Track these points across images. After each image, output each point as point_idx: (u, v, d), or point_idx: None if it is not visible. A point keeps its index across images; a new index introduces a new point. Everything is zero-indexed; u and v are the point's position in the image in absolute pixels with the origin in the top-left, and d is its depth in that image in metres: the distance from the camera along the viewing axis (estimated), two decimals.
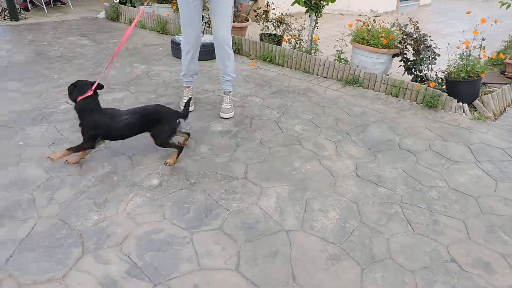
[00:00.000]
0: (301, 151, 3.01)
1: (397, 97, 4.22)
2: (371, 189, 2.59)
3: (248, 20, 6.10)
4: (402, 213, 2.39)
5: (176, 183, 2.54)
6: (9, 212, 2.19)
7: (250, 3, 3.49)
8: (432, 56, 4.35)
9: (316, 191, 2.54)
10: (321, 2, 4.84)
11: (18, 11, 7.03)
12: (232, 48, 3.51)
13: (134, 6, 7.28)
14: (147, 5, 7.41)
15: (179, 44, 4.98)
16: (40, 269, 1.85)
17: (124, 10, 7.22)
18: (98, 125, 2.51)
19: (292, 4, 4.77)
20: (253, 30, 6.28)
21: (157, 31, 6.62)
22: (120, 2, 7.35)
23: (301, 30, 5.24)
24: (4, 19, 6.87)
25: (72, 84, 2.58)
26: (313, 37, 5.03)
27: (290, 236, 2.15)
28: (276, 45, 5.28)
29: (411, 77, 4.53)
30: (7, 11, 6.86)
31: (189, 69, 3.62)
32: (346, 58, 4.92)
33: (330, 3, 4.88)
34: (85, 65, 4.75)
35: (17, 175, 2.52)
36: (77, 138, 2.97)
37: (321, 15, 5.05)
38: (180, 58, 5.17)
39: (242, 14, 6.10)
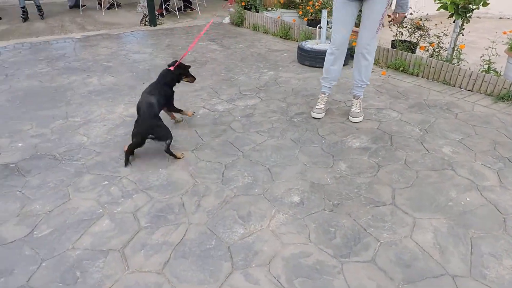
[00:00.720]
0: (456, 178, 2.64)
1: None
2: None
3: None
4: None
5: (318, 202, 2.41)
6: (163, 215, 2.30)
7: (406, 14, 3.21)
8: None
9: (482, 229, 2.18)
10: (470, 6, 4.28)
11: (156, 17, 7.70)
12: (374, 55, 3.30)
13: (258, 12, 7.44)
14: (270, 10, 7.51)
15: (306, 51, 4.92)
16: (195, 279, 1.87)
17: (248, 15, 7.43)
18: None
19: (438, 9, 4.30)
20: (383, 36, 5.89)
21: (280, 37, 6.64)
22: (245, 8, 7.58)
23: (441, 37, 4.72)
24: (145, 25, 7.61)
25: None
26: (458, 44, 4.48)
27: (458, 283, 1.85)
28: (411, 53, 4.85)
29: None
30: (147, 17, 7.58)
31: (329, 73, 3.50)
32: (495, 69, 4.28)
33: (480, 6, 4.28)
34: (217, 69, 4.94)
35: (167, 178, 2.66)
36: (217, 144, 3.05)
37: (469, 21, 4.48)
38: (307, 65, 5.15)
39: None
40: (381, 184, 2.58)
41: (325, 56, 4.81)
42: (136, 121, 2.81)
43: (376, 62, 5.06)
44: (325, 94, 3.59)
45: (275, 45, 6.18)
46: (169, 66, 3.10)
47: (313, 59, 4.97)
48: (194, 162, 2.86)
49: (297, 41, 6.30)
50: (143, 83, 4.48)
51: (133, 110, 3.61)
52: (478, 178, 2.64)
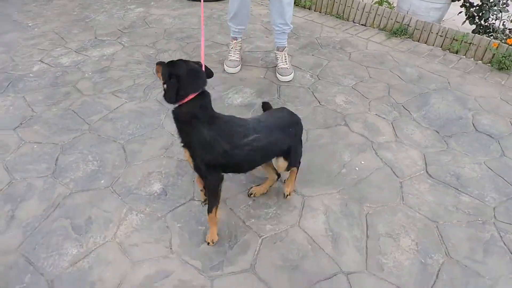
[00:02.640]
0: (349, 136, 2.27)
1: (456, 53, 3.35)
2: (451, 198, 1.90)
3: None
4: (500, 238, 1.71)
5: (186, 188, 1.85)
6: None
7: None
8: (504, 1, 3.41)
9: (378, 202, 1.85)
10: None
11: None
12: None
13: None
14: None
15: None
16: None
17: None
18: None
19: None
20: None
21: None
22: None
23: None
24: None
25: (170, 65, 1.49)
26: None
27: (352, 282, 1.50)
28: None
29: (472, 27, 3.63)
30: None
31: (239, 11, 2.69)
32: (391, 1, 3.96)
33: None
34: (68, 6, 3.84)
35: None
36: (54, 115, 2.24)
37: None
38: None
39: None
40: None
41: None
42: None
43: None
44: (236, 39, 2.88)
45: None
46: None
47: None
48: (15, 146, 2.04)
49: None
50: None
51: None
52: (373, 133, 2.31)
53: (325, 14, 4.03)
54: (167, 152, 2.06)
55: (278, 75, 2.80)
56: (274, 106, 2.35)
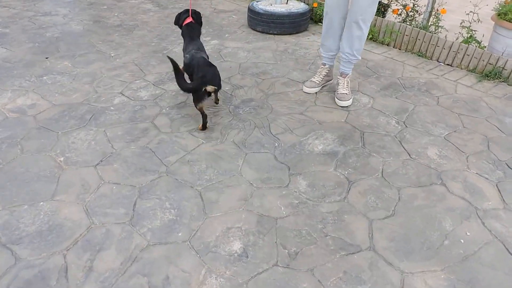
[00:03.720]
0: (448, 199, 2.00)
1: None
2: None
3: None
4: None
5: (269, 251, 1.69)
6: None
7: None
8: None
9: (492, 286, 1.56)
10: None
11: None
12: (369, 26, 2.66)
13: None
14: None
15: (257, 13, 4.02)
16: None
17: None
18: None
19: None
20: None
21: None
22: None
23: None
24: None
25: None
26: (438, 9, 3.75)
27: None
28: (381, 17, 4.08)
29: None
30: None
31: (325, 39, 2.88)
32: (476, 37, 3.64)
33: None
34: (147, 38, 3.94)
35: (49, 218, 1.81)
36: (132, 153, 2.20)
37: None
38: (259, 31, 4.25)
39: None
40: (353, 213, 1.90)
41: (282, 20, 4.00)
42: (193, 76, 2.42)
43: None
44: (324, 65, 2.99)
45: (223, 3, 5.17)
46: (183, 19, 2.71)
47: (266, 23, 4.08)
48: (96, 185, 2.01)
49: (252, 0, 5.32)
50: (46, 58, 3.43)
51: (23, 101, 2.65)
52: (476, 196, 2.02)
53: (406, 51, 3.79)
54: (246, 204, 1.93)
55: (336, 100, 2.82)
56: (360, 157, 2.16)
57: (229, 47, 3.78)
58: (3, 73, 3.15)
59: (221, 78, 2.47)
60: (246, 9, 4.83)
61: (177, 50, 3.68)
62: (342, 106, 2.79)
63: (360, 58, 2.80)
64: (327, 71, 2.99)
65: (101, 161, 2.20)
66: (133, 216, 1.84)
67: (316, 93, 2.96)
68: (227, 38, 3.99)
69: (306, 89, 2.97)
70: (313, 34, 4.17)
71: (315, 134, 2.47)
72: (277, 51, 3.71)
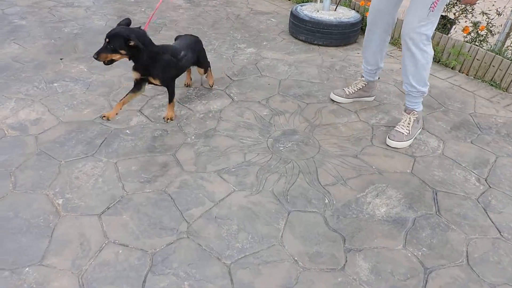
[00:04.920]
0: None
1: None
2: None
3: None
4: None
5: None
6: None
7: None
8: None
9: None
10: None
11: None
12: (428, 49, 2.14)
13: None
14: None
15: (301, 20, 3.52)
16: None
17: None
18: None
19: None
20: (405, 4, 4.46)
21: None
22: None
23: (490, 15, 3.36)
24: None
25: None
26: None
27: None
28: (445, 34, 3.50)
29: None
30: None
31: (364, 50, 2.54)
32: None
33: None
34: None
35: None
36: (146, 199, 1.75)
37: None
38: (302, 40, 3.72)
39: None
40: None
41: (329, 30, 3.47)
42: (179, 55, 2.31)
43: (396, 43, 3.70)
44: (362, 77, 2.67)
45: (260, 3, 4.67)
46: (122, 25, 2.13)
47: (311, 32, 3.56)
48: (97, 246, 1.58)
49: (290, 0, 4.80)
50: (61, 59, 3.02)
51: (27, 114, 2.25)
52: None
53: (475, 78, 3.21)
54: None
55: (387, 139, 2.32)
56: (435, 229, 1.65)
57: (267, 58, 3.28)
58: (11, 75, 2.76)
59: (259, 99, 2.01)
60: (286, 12, 4.33)
61: (208, 57, 3.20)
62: (390, 147, 2.29)
63: (425, 91, 2.27)
64: (364, 85, 2.65)
65: (108, 208, 1.76)
66: None
67: (372, 128, 2.44)
68: (265, 47, 3.49)
69: (333, 96, 2.69)
70: None
71: (375, 189, 1.97)
72: (322, 66, 3.20)
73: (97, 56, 1.95)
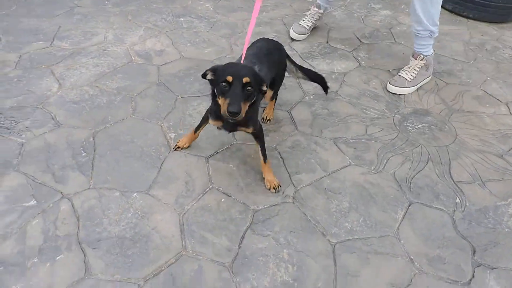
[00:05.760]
0: None
1: None
2: None
3: None
4: None
5: None
6: None
7: None
8: None
9: None
10: None
11: None
12: None
13: None
14: None
15: None
16: None
17: None
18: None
19: None
20: None
21: None
22: None
23: None
24: None
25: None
26: None
27: None
28: None
29: None
30: None
31: None
32: None
33: None
34: None
35: (137, 222, 1.39)
36: (255, 151, 1.65)
37: None
38: (447, 9, 3.17)
39: None
40: None
41: (485, 1, 2.90)
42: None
43: None
44: (319, 8, 2.52)
45: None
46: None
47: (462, 1, 3.02)
48: (200, 189, 1.53)
49: None
50: None
51: (153, 44, 2.29)
52: None
53: None
54: None
55: (387, 84, 2.16)
56: None
57: (404, 23, 2.87)
58: (143, 4, 2.82)
59: (390, 68, 1.72)
60: None
61: (337, 14, 2.92)
62: (390, 92, 2.12)
63: (434, 30, 2.06)
64: (320, 16, 2.56)
65: (216, 153, 1.70)
66: (236, 256, 1.32)
67: None
68: (403, 11, 3.06)
69: (293, 35, 2.50)
70: None
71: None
72: (470, 43, 2.71)
73: (238, 107, 1.17)
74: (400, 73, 2.15)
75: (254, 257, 1.32)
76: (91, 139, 1.70)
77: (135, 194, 1.49)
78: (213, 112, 1.42)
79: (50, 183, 1.50)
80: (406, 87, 2.10)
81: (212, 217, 1.44)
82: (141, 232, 1.37)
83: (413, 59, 2.16)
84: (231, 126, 1.41)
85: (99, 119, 1.81)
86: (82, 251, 1.30)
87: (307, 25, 2.52)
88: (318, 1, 2.53)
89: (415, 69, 2.13)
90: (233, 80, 1.20)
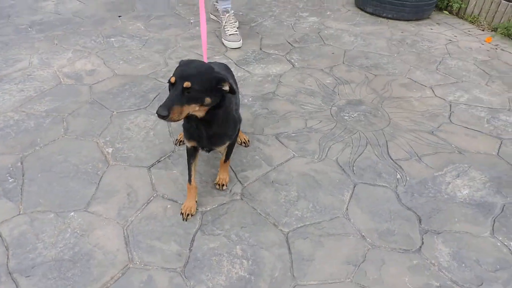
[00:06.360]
0: None
1: None
2: None
3: None
4: None
5: None
6: None
7: None
8: None
9: None
10: None
11: None
12: None
13: None
14: None
15: None
16: None
17: None
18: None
19: None
20: None
21: None
22: None
23: None
24: None
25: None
26: None
27: None
28: None
29: None
30: None
31: None
32: None
33: None
34: (233, 5, 3.30)
35: (76, 241, 1.29)
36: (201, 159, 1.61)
37: None
38: (369, 12, 3.42)
39: None
40: None
41: (401, 1, 3.15)
42: None
43: (473, 19, 3.30)
44: (229, 12, 2.66)
45: None
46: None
47: (380, 3, 3.25)
48: (143, 199, 1.46)
49: None
50: (119, 16, 2.95)
51: (83, 64, 2.20)
52: None
53: None
54: (356, 273, 1.26)
55: (228, 43, 2.59)
56: None
57: (331, 27, 3.03)
58: (70, 29, 2.73)
59: (322, 67, 1.76)
60: None
61: (267, 24, 3.01)
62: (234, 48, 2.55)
63: None
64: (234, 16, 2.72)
65: (158, 161, 1.64)
66: (187, 259, 1.26)
67: (450, 105, 2.15)
68: (329, 17, 3.23)
69: (233, 44, 2.58)
70: (438, 24, 3.27)
71: (454, 169, 1.70)
72: (392, 40, 2.90)
73: (168, 111, 1.05)
74: (229, 31, 2.57)
75: (206, 258, 1.27)
76: (19, 163, 1.58)
77: (72, 213, 1.39)
78: (185, 130, 1.31)
79: None
80: (240, 41, 2.58)
81: (159, 224, 1.37)
82: (81, 251, 1.27)
83: (223, 16, 2.61)
84: (206, 144, 1.30)
85: (27, 143, 1.69)
86: (14, 281, 1.17)
87: (237, 32, 2.61)
88: (222, 7, 2.67)
89: (233, 22, 2.61)
90: (175, 81, 1.09)
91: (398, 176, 1.64)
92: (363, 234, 1.38)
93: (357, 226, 1.41)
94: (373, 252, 1.32)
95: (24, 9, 2.98)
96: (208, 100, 1.13)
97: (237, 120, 1.38)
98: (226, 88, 1.16)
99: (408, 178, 1.63)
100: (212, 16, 3.00)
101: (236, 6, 3.30)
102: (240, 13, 3.18)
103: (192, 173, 1.39)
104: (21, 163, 1.58)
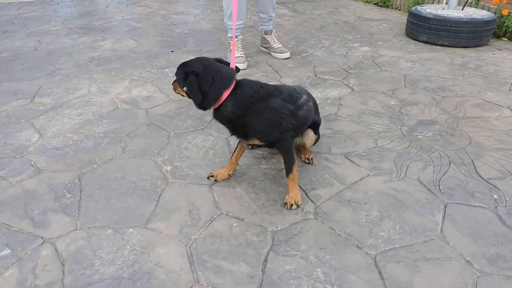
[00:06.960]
0: None
1: None
2: None
3: None
4: None
5: None
6: None
7: None
8: None
9: None
10: None
11: None
12: None
13: None
14: None
15: (425, 19, 3.15)
16: None
17: None
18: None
19: None
20: None
21: (375, 4, 4.79)
22: None
23: None
24: None
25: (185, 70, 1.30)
26: None
27: None
28: None
29: None
30: None
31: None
32: None
33: None
34: (282, 39, 3.32)
35: (136, 259, 1.15)
36: (261, 173, 1.47)
37: None
38: (422, 41, 3.28)
39: None
40: None
41: (458, 28, 3.02)
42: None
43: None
44: (237, 38, 2.69)
45: (368, 13, 4.38)
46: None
47: (435, 31, 3.14)
48: (206, 216, 1.32)
49: (399, 10, 4.44)
50: (172, 51, 3.01)
51: (139, 92, 2.18)
52: None
53: None
54: None
55: (277, 55, 2.84)
56: None
57: (385, 55, 2.93)
58: (126, 62, 2.79)
59: (383, 90, 1.64)
60: (398, 19, 3.98)
61: (319, 53, 2.96)
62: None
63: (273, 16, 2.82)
64: (242, 42, 2.82)
65: (216, 180, 1.51)
66: (261, 282, 1.08)
67: None
68: (381, 46, 3.15)
69: (241, 66, 2.56)
70: (499, 49, 3.09)
71: None
72: (453, 64, 2.74)
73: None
74: (277, 46, 2.85)
75: (283, 282, 1.08)
76: (77, 180, 1.51)
77: (131, 229, 1.27)
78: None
79: (28, 229, 1.27)
80: (288, 52, 2.84)
81: (225, 243, 1.21)
82: (141, 269, 1.12)
83: (267, 36, 2.87)
84: (239, 134, 1.36)
85: (85, 161, 1.62)
86: None
87: (243, 54, 2.71)
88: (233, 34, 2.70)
89: (274, 39, 2.87)
90: None
91: (495, 196, 1.41)
92: (467, 259, 1.15)
93: (458, 250, 1.18)
94: (485, 280, 1.08)
95: (84, 48, 3.12)
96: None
97: (280, 120, 1.30)
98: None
99: (507, 198, 1.40)
100: (262, 48, 3.00)
101: (284, 40, 3.31)
102: (290, 45, 3.17)
103: (236, 152, 1.49)
104: (79, 180, 1.50)
